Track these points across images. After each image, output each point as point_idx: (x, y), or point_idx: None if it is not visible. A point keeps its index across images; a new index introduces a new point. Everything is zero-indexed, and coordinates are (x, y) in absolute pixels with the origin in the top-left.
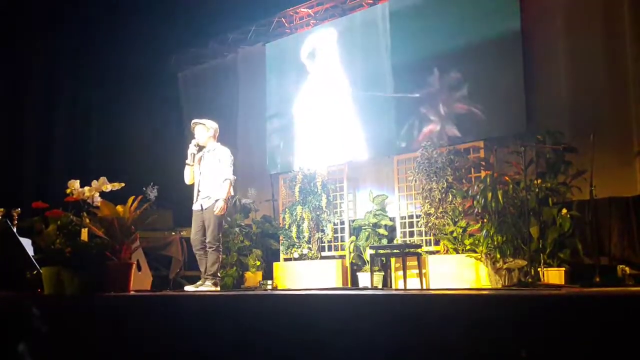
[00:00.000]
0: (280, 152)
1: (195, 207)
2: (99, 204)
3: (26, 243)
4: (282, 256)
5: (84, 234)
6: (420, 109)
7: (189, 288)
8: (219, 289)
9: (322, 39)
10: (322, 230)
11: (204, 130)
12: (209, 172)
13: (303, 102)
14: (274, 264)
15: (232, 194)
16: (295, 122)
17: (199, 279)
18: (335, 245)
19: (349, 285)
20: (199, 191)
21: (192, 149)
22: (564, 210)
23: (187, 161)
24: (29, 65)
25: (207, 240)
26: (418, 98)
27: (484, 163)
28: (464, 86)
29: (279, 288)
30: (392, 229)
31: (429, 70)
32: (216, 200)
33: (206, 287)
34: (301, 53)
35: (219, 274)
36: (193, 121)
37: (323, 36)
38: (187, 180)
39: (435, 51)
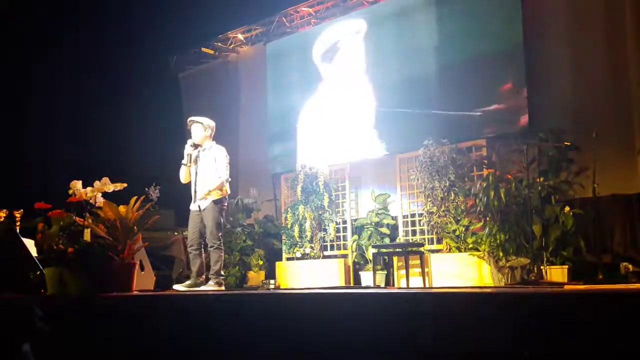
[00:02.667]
0: (282, 152)
1: (193, 207)
2: (101, 205)
3: (29, 244)
4: (284, 255)
5: (87, 235)
6: (422, 109)
7: (177, 287)
8: (223, 288)
9: (345, 35)
10: (325, 230)
11: (200, 128)
12: (205, 172)
13: (309, 104)
14: (277, 263)
15: (229, 192)
16: (298, 122)
17: None
18: (337, 245)
19: (352, 284)
20: (195, 191)
21: (188, 149)
22: (567, 208)
23: (183, 161)
24: (30, 65)
25: (207, 239)
26: (419, 98)
27: (486, 161)
28: (467, 85)
29: (281, 287)
30: (394, 228)
31: (431, 71)
32: (213, 201)
33: (210, 286)
34: (313, 52)
35: (222, 273)
36: (190, 119)
37: (345, 31)
38: (183, 179)
39: (436, 52)
